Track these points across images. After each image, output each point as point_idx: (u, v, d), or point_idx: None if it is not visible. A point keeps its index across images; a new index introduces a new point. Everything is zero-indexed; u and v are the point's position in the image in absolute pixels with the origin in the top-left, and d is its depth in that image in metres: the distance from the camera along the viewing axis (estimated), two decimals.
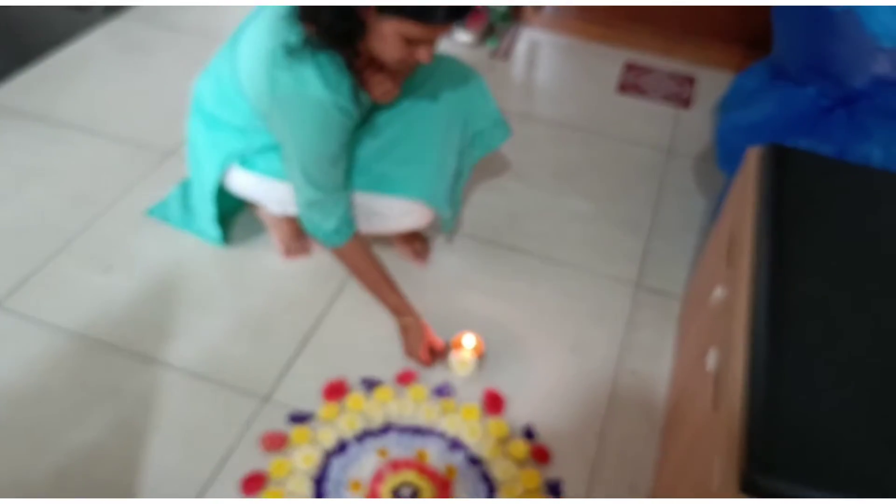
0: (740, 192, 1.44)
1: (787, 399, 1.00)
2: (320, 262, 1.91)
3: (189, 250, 1.91)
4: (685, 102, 2.60)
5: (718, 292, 1.37)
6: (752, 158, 1.43)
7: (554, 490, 1.46)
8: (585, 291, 1.89)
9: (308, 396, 1.60)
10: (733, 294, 1.26)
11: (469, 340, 1.67)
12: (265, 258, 1.91)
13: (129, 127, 2.29)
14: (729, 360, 1.14)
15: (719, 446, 1.03)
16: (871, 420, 0.99)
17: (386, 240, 1.95)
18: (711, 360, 1.27)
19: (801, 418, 0.98)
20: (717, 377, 1.17)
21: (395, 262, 1.91)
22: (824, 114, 1.64)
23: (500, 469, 1.49)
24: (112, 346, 1.67)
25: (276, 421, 1.55)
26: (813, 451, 0.95)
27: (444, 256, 1.96)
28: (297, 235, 1.91)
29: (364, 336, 1.74)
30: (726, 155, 1.81)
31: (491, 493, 1.45)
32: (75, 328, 1.70)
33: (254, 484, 1.43)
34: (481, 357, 1.67)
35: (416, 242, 1.95)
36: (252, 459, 1.48)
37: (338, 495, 1.43)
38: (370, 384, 1.63)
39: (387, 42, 1.32)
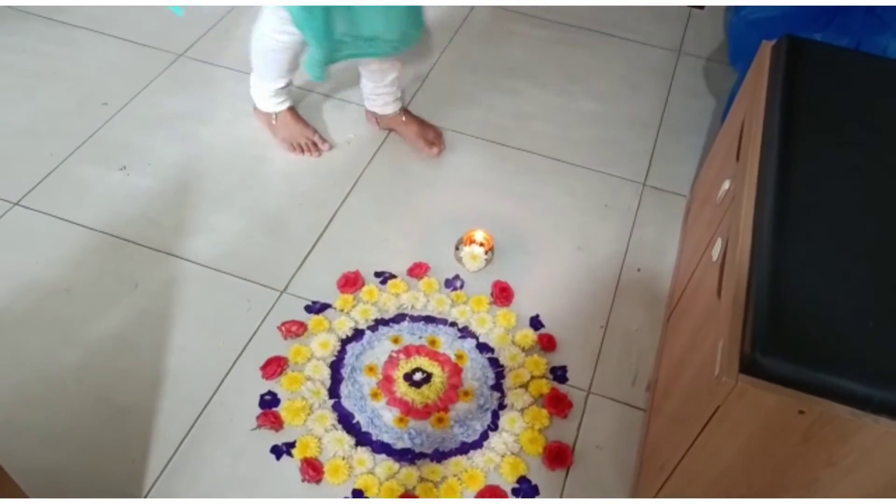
0: (753, 86, 1.45)
1: (789, 284, 1.04)
2: (333, 162, 1.94)
3: (204, 150, 1.93)
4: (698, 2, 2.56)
5: (726, 185, 1.40)
6: (766, 51, 1.43)
7: (560, 375, 1.53)
8: (593, 191, 1.92)
9: (324, 289, 1.65)
10: (741, 186, 1.28)
11: (479, 235, 1.72)
12: (279, 159, 1.93)
13: (140, 28, 2.27)
14: (734, 248, 1.17)
15: (722, 331, 1.07)
16: (872, 305, 1.03)
17: (398, 136, 1.97)
18: (717, 249, 1.31)
19: (803, 302, 1.03)
20: (722, 266, 1.22)
21: (408, 159, 1.94)
22: (841, 7, 1.62)
23: (507, 355, 1.56)
24: (131, 242, 1.71)
25: (293, 312, 1.61)
26: (814, 333, 0.99)
27: (454, 157, 1.98)
28: (298, 128, 1.94)
29: (376, 232, 1.78)
30: (738, 51, 1.80)
31: (499, 377, 1.52)
32: (94, 225, 1.74)
33: (274, 367, 1.50)
34: (491, 252, 1.72)
35: (430, 132, 1.98)
36: (272, 346, 1.55)
37: (353, 380, 1.50)
38: (383, 277, 1.68)
39: None
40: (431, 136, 1.98)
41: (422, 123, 1.99)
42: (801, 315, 1.01)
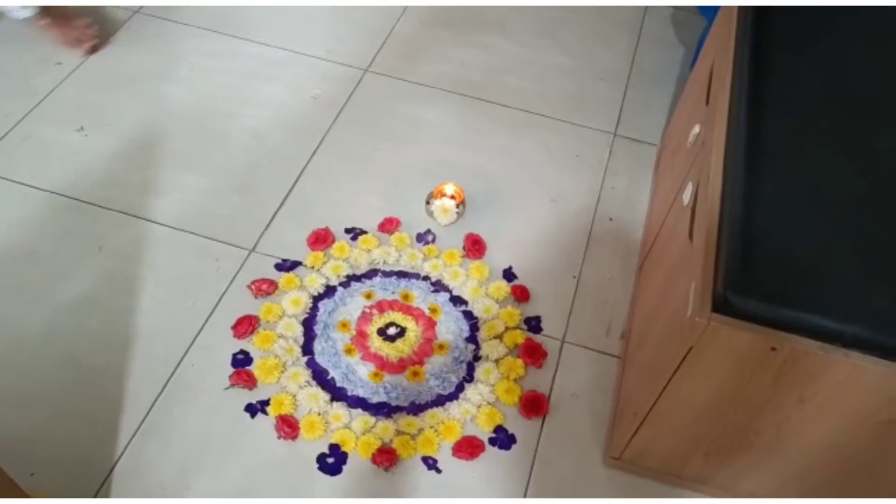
0: (722, 30, 1.43)
1: (759, 223, 1.04)
2: (300, 118, 1.90)
3: (167, 108, 1.88)
4: None
5: (696, 129, 1.39)
6: None
7: (534, 326, 1.53)
8: (565, 143, 1.90)
9: (294, 247, 1.63)
10: (710, 130, 1.28)
11: (450, 188, 1.70)
12: (247, 116, 1.89)
13: None
14: (705, 191, 1.17)
15: (695, 273, 1.07)
16: (841, 243, 1.03)
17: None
18: (688, 193, 1.30)
19: (774, 241, 1.02)
20: (693, 209, 1.21)
21: (377, 113, 1.91)
22: None
23: (481, 308, 1.55)
24: (94, 205, 1.67)
25: (264, 270, 1.59)
26: (784, 271, 0.99)
27: (424, 111, 1.95)
28: (69, 26, 1.92)
29: (345, 188, 1.75)
30: None
31: (473, 329, 1.52)
32: (54, 188, 1.69)
33: (245, 326, 1.48)
34: (462, 205, 1.70)
35: (73, 30, 1.95)
36: (243, 304, 1.52)
37: (326, 336, 1.49)
38: (354, 233, 1.66)
39: None
40: (76, 33, 1.93)
41: (64, 23, 1.92)
42: (772, 254, 1.01)
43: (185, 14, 2.14)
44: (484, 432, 1.38)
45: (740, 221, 1.05)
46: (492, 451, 1.36)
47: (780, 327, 0.98)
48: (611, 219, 1.74)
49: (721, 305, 0.99)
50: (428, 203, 1.71)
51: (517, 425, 1.40)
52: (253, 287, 1.55)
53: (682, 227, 1.27)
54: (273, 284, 1.56)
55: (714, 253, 1.05)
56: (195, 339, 1.47)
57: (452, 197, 1.70)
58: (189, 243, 1.62)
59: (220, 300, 1.53)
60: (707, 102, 1.39)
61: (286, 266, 1.59)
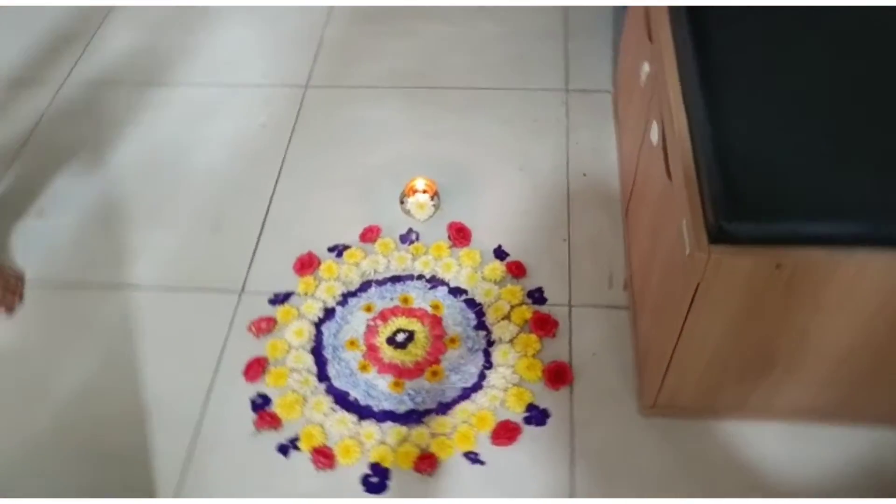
0: None
1: (733, 147, 1.04)
2: (254, 147, 1.87)
3: (114, 171, 1.84)
4: None
5: (646, 68, 1.39)
6: None
7: (538, 298, 1.53)
8: (519, 109, 1.89)
9: (282, 278, 1.61)
10: (660, 66, 1.28)
11: (420, 183, 1.69)
12: (197, 158, 1.85)
13: (11, 60, 2.13)
14: (670, 127, 1.17)
15: (682, 210, 1.07)
16: (813, 148, 1.03)
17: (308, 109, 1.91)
18: (654, 133, 1.31)
19: (750, 161, 1.03)
20: (664, 148, 1.21)
21: (328, 128, 1.89)
22: None
23: (481, 293, 1.55)
24: (70, 283, 1.64)
25: (258, 308, 1.57)
26: (768, 188, 1.00)
27: (373, 113, 1.92)
28: None
29: (317, 208, 1.74)
30: None
31: (479, 316, 1.51)
32: (29, 277, 1.65)
33: (255, 368, 1.46)
34: (437, 196, 1.69)
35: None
36: (246, 348, 1.51)
37: (338, 359, 1.47)
38: (338, 250, 1.64)
39: None
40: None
41: None
42: (753, 174, 1.02)
43: (116, 76, 2.09)
44: (517, 414, 1.38)
45: (713, 149, 1.05)
46: (529, 431, 1.36)
47: (780, 243, 0.99)
48: (584, 174, 1.74)
49: (717, 236, 0.99)
50: (402, 202, 1.70)
51: (547, 399, 1.40)
52: (252, 328, 1.53)
53: (658, 166, 1.27)
54: (271, 321, 1.54)
55: (696, 186, 1.06)
56: (209, 394, 1.45)
57: (425, 191, 1.68)
58: (177, 300, 1.60)
59: (223, 349, 1.51)
60: (650, 39, 1.39)
61: (280, 299, 1.58)
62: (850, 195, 0.99)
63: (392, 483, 1.32)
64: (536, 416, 1.38)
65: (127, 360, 1.51)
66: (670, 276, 1.16)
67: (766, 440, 1.32)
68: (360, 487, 1.32)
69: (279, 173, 1.81)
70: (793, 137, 1.05)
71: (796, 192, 0.99)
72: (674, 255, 1.13)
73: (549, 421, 1.37)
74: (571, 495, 1.29)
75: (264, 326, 1.53)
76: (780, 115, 1.08)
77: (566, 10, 2.13)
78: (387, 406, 1.41)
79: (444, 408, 1.40)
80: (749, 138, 1.06)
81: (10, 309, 1.58)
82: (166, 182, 1.81)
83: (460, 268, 1.59)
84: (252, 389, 1.45)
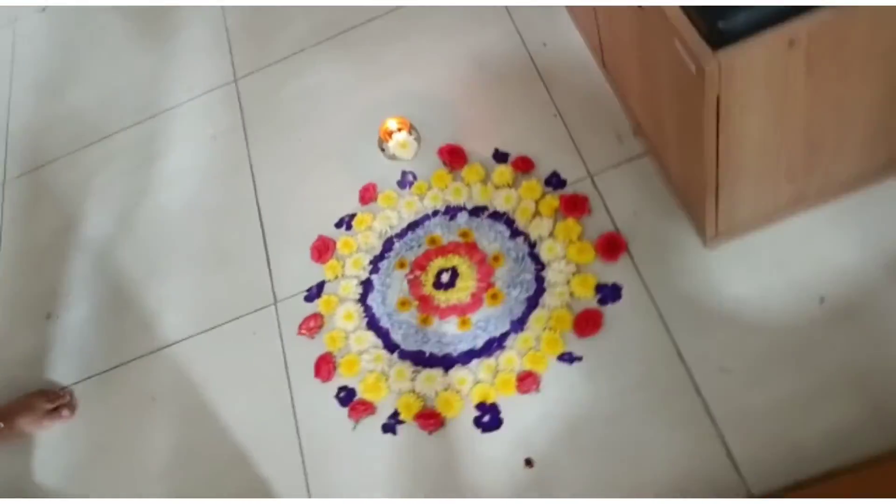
0: None
1: None
2: (217, 163, 1.79)
3: (99, 244, 1.77)
4: None
5: None
6: None
7: (557, 182, 1.49)
8: (451, 10, 1.80)
9: (306, 273, 1.56)
10: None
11: (392, 123, 1.62)
12: (169, 201, 1.77)
13: None
14: None
15: (669, 31, 1.01)
16: None
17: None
18: None
19: None
20: None
21: (280, 113, 1.80)
22: None
23: (501, 201, 1.50)
24: (115, 367, 1.59)
25: (299, 310, 1.52)
26: None
27: (313, 75, 1.84)
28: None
29: (305, 193, 1.67)
30: None
31: (510, 224, 1.47)
32: (68, 380, 1.60)
33: (325, 366, 1.43)
34: (414, 129, 1.63)
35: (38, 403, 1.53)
36: (307, 351, 1.47)
37: (396, 323, 1.44)
38: (346, 223, 1.59)
39: None
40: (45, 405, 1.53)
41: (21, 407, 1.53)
42: None
43: (46, 155, 1.98)
44: (589, 300, 1.36)
45: None
46: (609, 311, 1.34)
47: (783, 18, 0.93)
48: (545, 44, 1.67)
49: (718, 39, 0.94)
50: (383, 150, 1.64)
51: (611, 273, 1.37)
52: (303, 330, 1.49)
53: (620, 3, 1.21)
54: (318, 317, 1.50)
55: (678, 5, 0.99)
56: (294, 409, 1.43)
57: (400, 129, 1.62)
58: (219, 338, 1.55)
59: (285, 362, 1.48)
60: None
61: (314, 293, 1.53)
62: None
63: (503, 416, 1.31)
64: (609, 293, 1.35)
65: (203, 413, 1.48)
66: (684, 102, 1.11)
67: (840, 221, 1.29)
68: (477, 430, 1.31)
69: (253, 176, 1.74)
70: None
71: None
72: (680, 80, 1.08)
73: (624, 293, 1.35)
74: (679, 354, 1.27)
75: (313, 324, 1.49)
76: None
77: None
78: (464, 347, 1.39)
79: (518, 325, 1.38)
80: None
81: (64, 416, 1.54)
82: (151, 234, 1.74)
83: (469, 187, 1.54)
84: (331, 387, 1.43)
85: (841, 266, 1.27)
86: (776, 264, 1.30)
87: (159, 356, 1.57)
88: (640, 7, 1.09)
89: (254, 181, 1.73)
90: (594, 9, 1.41)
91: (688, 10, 0.96)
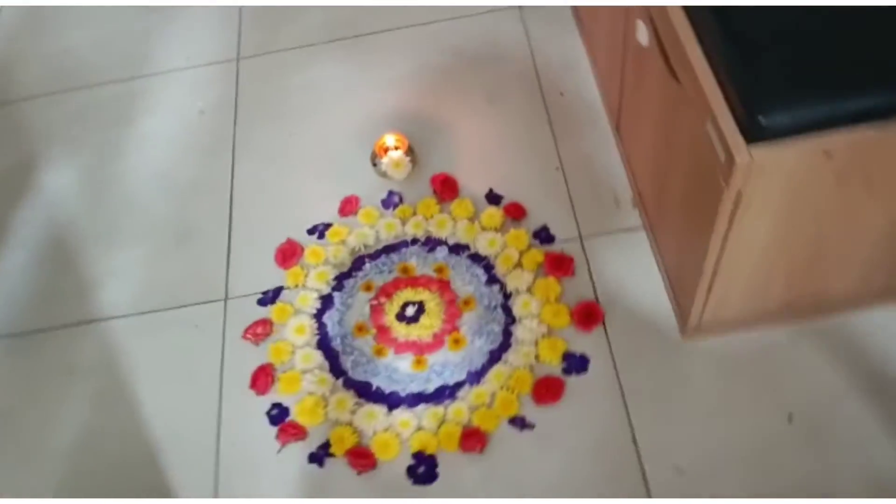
0: None
1: (748, 30, 0.93)
2: (199, 140, 1.69)
3: (53, 195, 1.65)
4: None
5: None
6: None
7: (545, 237, 1.42)
8: (471, 36, 1.74)
9: (266, 274, 1.47)
10: None
11: (391, 139, 1.54)
12: (141, 166, 1.67)
13: None
14: (666, 26, 1.04)
15: (703, 111, 0.95)
16: (839, 19, 0.92)
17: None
18: (642, 34, 1.18)
19: (772, 42, 0.92)
20: (661, 49, 1.09)
21: (274, 100, 1.72)
22: None
23: (484, 244, 1.43)
24: (40, 331, 1.47)
25: (249, 313, 1.42)
26: (801, 70, 0.89)
27: (315, 73, 1.75)
28: None
29: (284, 191, 1.58)
30: None
31: (489, 269, 1.40)
32: None
33: (263, 378, 1.33)
34: (411, 150, 1.55)
35: None
36: (247, 358, 1.37)
37: (349, 348, 1.35)
38: (319, 231, 1.50)
39: None
40: None
41: None
42: (779, 55, 0.91)
43: (25, 90, 1.86)
44: (554, 366, 1.29)
45: (728, 37, 0.94)
46: (572, 381, 1.27)
47: (826, 126, 0.88)
48: (561, 93, 1.61)
49: (755, 133, 0.88)
50: (375, 165, 1.56)
51: (582, 343, 1.30)
52: (249, 335, 1.39)
53: (654, 70, 1.15)
54: (267, 323, 1.40)
55: (715, 82, 0.94)
56: (219, 416, 1.33)
57: (397, 147, 1.54)
58: (158, 323, 1.45)
59: (222, 365, 1.38)
60: None
61: (269, 298, 1.44)
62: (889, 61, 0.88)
63: (441, 470, 1.22)
64: (576, 363, 1.28)
65: (122, 397, 1.37)
66: (699, 187, 1.05)
67: (824, 338, 1.25)
68: (409, 481, 1.22)
69: (233, 161, 1.65)
70: (813, 14, 0.93)
71: (834, 66, 0.88)
72: (701, 164, 1.01)
73: (591, 366, 1.28)
74: (633, 440, 1.21)
75: (261, 331, 1.39)
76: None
77: None
78: (414, 388, 1.30)
79: (475, 377, 1.29)
80: (763, 19, 0.94)
81: None
82: (113, 196, 1.63)
83: (455, 222, 1.46)
84: (265, 401, 1.33)
85: (816, 386, 1.22)
86: (751, 371, 1.25)
87: (89, 328, 1.46)
88: (676, 79, 1.03)
89: (233, 166, 1.64)
90: (622, 68, 1.35)
91: (729, 95, 0.90)
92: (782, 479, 1.15)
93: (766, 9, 0.94)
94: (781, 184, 0.92)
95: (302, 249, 1.48)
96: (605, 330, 1.31)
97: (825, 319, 1.26)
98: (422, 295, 1.39)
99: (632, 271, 1.36)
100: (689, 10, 1.00)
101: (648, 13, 1.11)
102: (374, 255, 1.45)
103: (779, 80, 0.87)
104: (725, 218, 0.98)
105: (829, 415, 1.20)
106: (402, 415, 1.27)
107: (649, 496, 1.17)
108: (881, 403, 1.19)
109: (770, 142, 0.87)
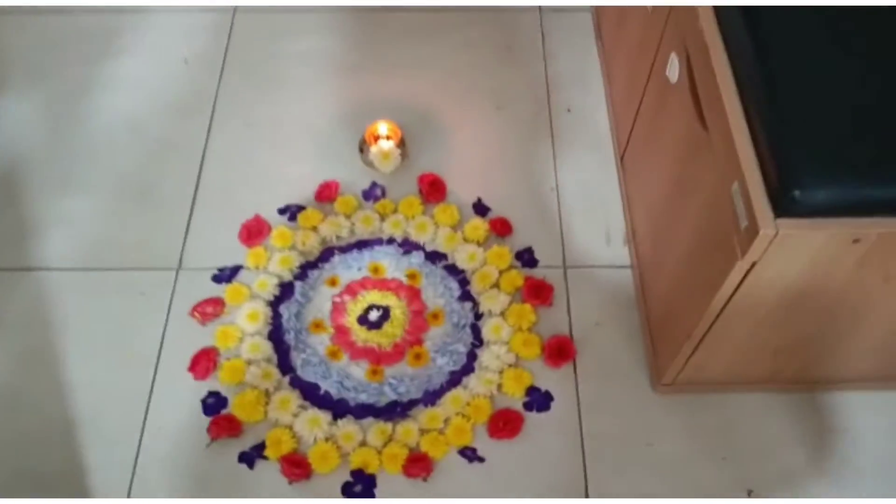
0: None
1: (797, 89, 0.85)
2: (178, 91, 1.57)
3: (13, 126, 1.52)
4: None
5: None
6: None
7: (528, 260, 1.34)
8: (488, 35, 1.64)
9: (226, 250, 1.36)
10: None
11: (383, 128, 1.44)
12: (114, 107, 1.54)
13: None
14: (702, 65, 0.96)
15: (730, 170, 0.86)
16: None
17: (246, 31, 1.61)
18: (673, 69, 1.10)
19: (823, 107, 0.84)
20: (693, 90, 1.00)
21: (266, 63, 1.60)
22: None
23: (463, 257, 1.34)
24: None
25: (201, 288, 1.32)
26: (851, 148, 0.81)
27: (317, 40, 1.64)
28: None
29: (260, 163, 1.47)
30: None
31: (464, 285, 1.31)
32: None
33: (204, 362, 1.23)
34: (402, 143, 1.45)
35: None
36: (192, 337, 1.27)
37: (302, 345, 1.26)
38: (290, 213, 1.40)
39: None
40: None
41: None
42: (827, 124, 0.83)
43: None
44: (515, 399, 1.21)
45: (772, 95, 0.85)
46: (532, 418, 1.19)
47: (863, 213, 0.81)
48: (569, 110, 1.52)
49: (788, 207, 0.80)
50: (362, 152, 1.46)
51: (548, 379, 1.23)
52: (197, 313, 1.29)
53: (680, 110, 1.07)
54: (219, 303, 1.30)
55: (750, 142, 0.86)
56: (150, 397, 1.22)
57: (389, 137, 1.44)
58: (100, 283, 1.33)
59: (162, 340, 1.27)
60: None
61: (225, 276, 1.33)
62: None
63: (379, 491, 1.14)
64: (538, 400, 1.21)
65: (47, 359, 1.26)
66: (707, 246, 0.98)
67: (799, 411, 1.19)
68: (342, 499, 1.13)
69: (211, 121, 1.53)
70: (873, 78, 0.86)
71: (884, 148, 0.81)
72: (715, 223, 0.94)
73: (554, 405, 1.21)
74: (585, 491, 1.14)
75: (210, 310, 1.29)
76: (847, 49, 0.88)
77: None
78: (365, 399, 1.21)
79: (431, 397, 1.21)
80: (815, 82, 0.86)
81: None
82: (74, 137, 1.51)
83: (436, 228, 1.37)
84: (202, 388, 1.23)
85: (784, 463, 1.17)
86: (719, 435, 1.19)
87: (24, 276, 1.34)
88: (704, 125, 0.95)
89: (209, 127, 1.52)
90: (641, 98, 1.27)
91: (763, 157, 0.82)
92: None
93: (821, 73, 0.86)
94: (801, 263, 0.85)
95: (269, 229, 1.37)
96: (575, 369, 1.24)
97: (806, 393, 1.20)
98: (389, 300, 1.30)
99: (612, 311, 1.29)
100: (734, 54, 0.92)
101: (685, 47, 1.03)
102: (346, 249, 1.36)
103: (824, 154, 0.80)
104: (732, 287, 0.90)
105: (789, 493, 1.15)
106: (347, 426, 1.18)
107: None
108: (842, 489, 1.14)
109: (801, 218, 0.79)
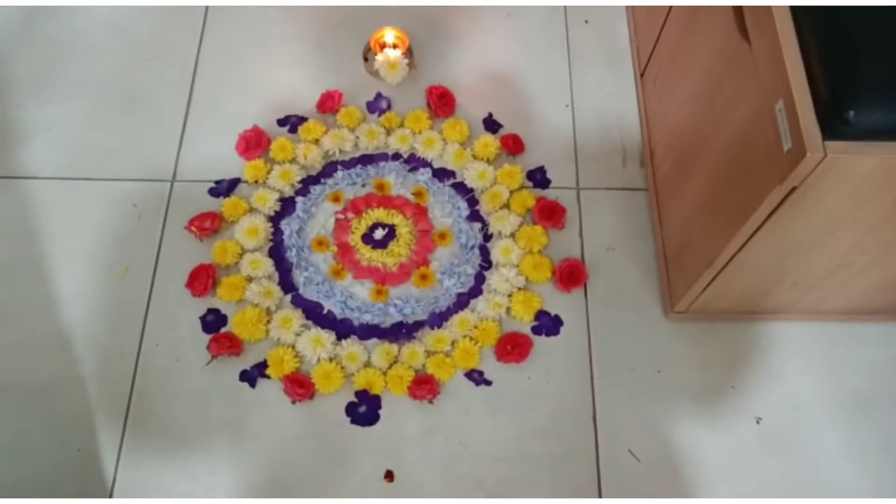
0: None
1: (851, 12, 0.78)
2: None
3: (2, 28, 1.42)
4: None
5: None
6: None
7: (540, 180, 1.28)
8: None
9: (224, 162, 1.30)
10: None
11: (390, 36, 1.36)
12: (97, 12, 1.44)
13: None
14: None
15: (776, 86, 0.80)
16: None
17: None
18: None
19: (877, 20, 0.77)
20: None
21: None
22: None
23: (473, 175, 1.28)
24: None
25: (197, 201, 1.26)
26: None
27: None
28: None
29: (258, 69, 1.39)
30: None
31: (472, 204, 1.26)
32: None
33: (202, 279, 1.18)
34: (410, 52, 1.37)
35: None
36: (189, 253, 1.22)
37: (305, 263, 1.21)
38: (291, 124, 1.33)
39: None
40: None
41: None
42: (886, 51, 0.76)
43: None
44: (524, 323, 1.18)
45: (827, 11, 0.78)
46: (541, 342, 1.16)
47: None
48: (586, 21, 1.44)
49: (835, 128, 0.75)
50: (367, 60, 1.37)
51: (559, 303, 1.19)
52: (194, 227, 1.23)
53: (709, 21, 1.00)
54: (216, 217, 1.24)
55: (799, 56, 0.80)
56: (147, 313, 1.18)
57: (395, 45, 1.36)
58: (90, 193, 1.27)
59: (158, 256, 1.22)
60: None
61: (223, 189, 1.27)
62: None
63: (384, 413, 1.12)
64: (548, 324, 1.17)
65: (34, 272, 1.21)
66: (739, 170, 0.92)
67: (810, 345, 1.17)
68: (346, 419, 1.11)
69: (205, 21, 1.43)
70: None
71: None
72: (751, 145, 0.88)
73: (563, 330, 1.18)
74: (592, 417, 1.12)
75: (208, 225, 1.23)
76: None
77: None
78: (369, 319, 1.18)
79: (438, 319, 1.18)
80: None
81: None
82: (57, 36, 1.41)
83: (445, 144, 1.31)
84: (200, 305, 1.18)
85: (792, 394, 1.15)
86: (729, 365, 1.17)
87: (7, 185, 1.27)
88: (746, 38, 0.88)
89: (203, 28, 1.42)
90: (668, 11, 1.18)
91: (814, 75, 0.76)
92: (739, 489, 1.09)
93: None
94: (844, 190, 0.80)
95: (269, 141, 1.30)
96: (586, 294, 1.20)
97: (817, 323, 1.17)
98: (395, 218, 1.25)
99: (625, 235, 1.25)
100: None
101: None
102: (349, 164, 1.29)
103: (883, 73, 0.74)
104: (764, 214, 0.86)
105: (797, 425, 1.13)
106: (351, 346, 1.15)
107: (599, 479, 1.09)
108: (846, 419, 1.13)
109: (852, 142, 0.74)
